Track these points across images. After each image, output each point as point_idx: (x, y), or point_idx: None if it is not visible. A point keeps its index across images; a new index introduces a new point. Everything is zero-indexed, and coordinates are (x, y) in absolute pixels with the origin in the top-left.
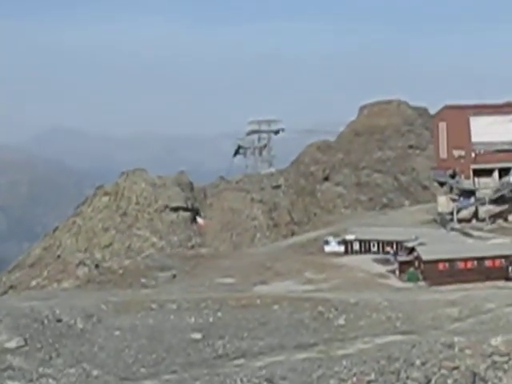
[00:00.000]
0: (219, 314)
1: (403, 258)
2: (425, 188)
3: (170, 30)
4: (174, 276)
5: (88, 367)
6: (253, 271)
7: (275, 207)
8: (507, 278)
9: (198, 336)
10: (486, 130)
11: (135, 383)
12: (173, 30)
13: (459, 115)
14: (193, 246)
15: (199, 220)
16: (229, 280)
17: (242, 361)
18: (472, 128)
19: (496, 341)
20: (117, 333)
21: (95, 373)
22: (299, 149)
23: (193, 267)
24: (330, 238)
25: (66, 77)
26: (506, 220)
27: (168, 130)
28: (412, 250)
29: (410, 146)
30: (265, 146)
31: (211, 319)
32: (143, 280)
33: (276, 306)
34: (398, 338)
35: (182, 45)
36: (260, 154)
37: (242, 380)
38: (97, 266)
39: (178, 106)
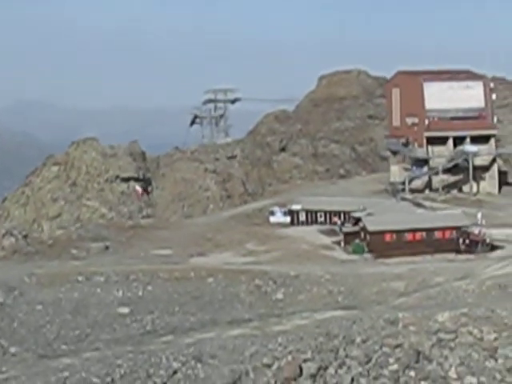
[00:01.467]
0: (149, 287)
1: (349, 228)
2: (383, 159)
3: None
4: (107, 247)
5: (6, 344)
6: (192, 242)
7: (229, 178)
8: (458, 251)
9: (125, 311)
10: (440, 97)
11: (54, 361)
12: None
13: (413, 81)
14: (143, 217)
15: (137, 188)
16: (165, 251)
17: (170, 337)
18: (426, 94)
19: (442, 317)
20: (39, 307)
21: (13, 350)
22: (257, 119)
23: (129, 238)
24: (276, 209)
25: (33, 50)
26: (460, 190)
27: (141, 104)
28: (358, 220)
29: (369, 116)
30: (221, 115)
31: (140, 293)
32: (74, 251)
33: (211, 279)
34: (339, 313)
35: (156, 18)
36: (216, 124)
37: (167, 358)
38: (25, 237)
39: (152, 79)
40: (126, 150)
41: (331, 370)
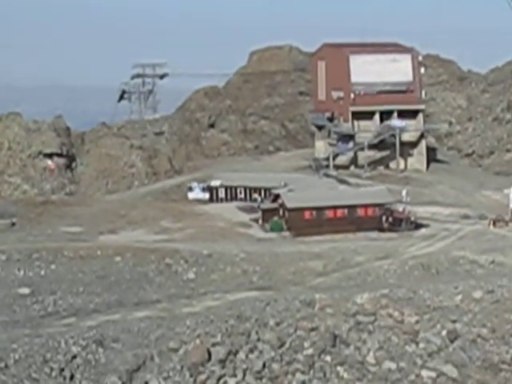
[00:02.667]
0: (53, 266)
1: (267, 205)
2: (313, 135)
3: None
4: (14, 224)
5: None
6: (104, 219)
7: (155, 154)
8: (380, 229)
9: (26, 291)
10: (366, 70)
11: None
12: None
13: (338, 53)
14: (67, 194)
15: (49, 163)
16: (75, 229)
17: (72, 319)
18: (351, 67)
19: (361, 298)
20: None
21: None
22: (187, 95)
23: (38, 215)
24: (195, 184)
25: None
26: (387, 167)
27: (75, 81)
28: (277, 197)
29: (300, 93)
30: (150, 91)
31: (43, 272)
32: None
33: (118, 258)
34: (253, 294)
35: None
36: (145, 99)
37: (66, 342)
38: None
39: (87, 55)
40: (50, 125)
41: (242, 355)
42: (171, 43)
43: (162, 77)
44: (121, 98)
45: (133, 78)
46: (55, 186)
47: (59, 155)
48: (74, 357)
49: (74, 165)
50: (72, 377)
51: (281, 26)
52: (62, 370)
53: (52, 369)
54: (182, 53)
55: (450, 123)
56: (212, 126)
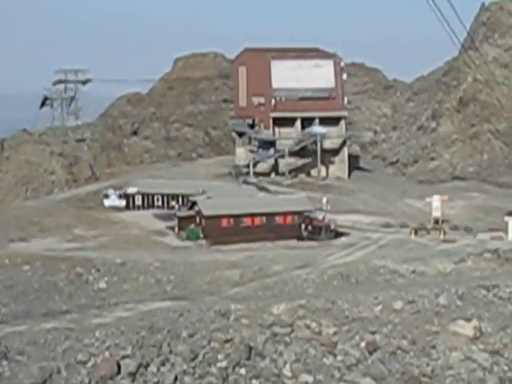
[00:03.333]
0: None
1: (183, 213)
2: (235, 142)
3: None
4: None
5: None
6: (15, 227)
7: (76, 161)
8: (300, 237)
9: None
10: (288, 76)
11: None
12: None
13: (260, 59)
14: None
15: None
16: None
17: None
18: (273, 73)
19: (278, 309)
20: None
21: None
22: (110, 101)
23: None
24: (111, 191)
25: None
26: (308, 174)
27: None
28: (194, 204)
29: (224, 100)
30: (72, 97)
31: None
32: None
33: (27, 267)
34: (167, 304)
35: None
36: (67, 105)
37: None
38: None
39: (6, 61)
40: None
41: (153, 368)
42: (94, 49)
43: (84, 83)
44: (43, 104)
45: (55, 83)
46: None
47: None
48: None
49: None
50: None
51: (205, 34)
52: None
53: None
54: (105, 59)
55: (375, 132)
56: (135, 133)
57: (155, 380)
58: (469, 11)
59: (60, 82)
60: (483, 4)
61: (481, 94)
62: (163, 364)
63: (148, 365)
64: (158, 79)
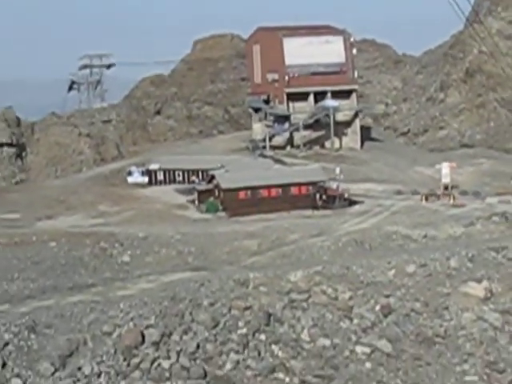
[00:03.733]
0: None
1: (202, 186)
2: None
3: None
4: None
5: None
6: (42, 205)
7: (103, 141)
8: (315, 207)
9: None
10: (300, 52)
11: None
12: None
13: (272, 37)
14: (17, 183)
15: None
16: (12, 215)
17: (6, 306)
18: (285, 50)
19: (295, 276)
20: None
21: None
22: (134, 83)
23: None
24: (133, 169)
25: None
26: (322, 146)
27: (24, 73)
28: (212, 178)
29: (242, 79)
30: (98, 81)
31: None
32: None
33: (53, 243)
34: (187, 275)
35: None
36: (94, 88)
37: None
38: None
39: (33, 48)
40: (1, 116)
41: (175, 337)
42: (118, 35)
43: (108, 67)
44: (70, 88)
45: (81, 68)
46: (6, 174)
47: (9, 145)
48: (6, 344)
49: (24, 154)
50: (4, 364)
51: (222, 15)
52: None
53: None
54: (128, 44)
55: (387, 104)
56: (158, 112)
57: (178, 348)
58: None
59: (85, 66)
60: None
61: (486, 64)
62: (185, 333)
63: (171, 334)
64: (179, 61)
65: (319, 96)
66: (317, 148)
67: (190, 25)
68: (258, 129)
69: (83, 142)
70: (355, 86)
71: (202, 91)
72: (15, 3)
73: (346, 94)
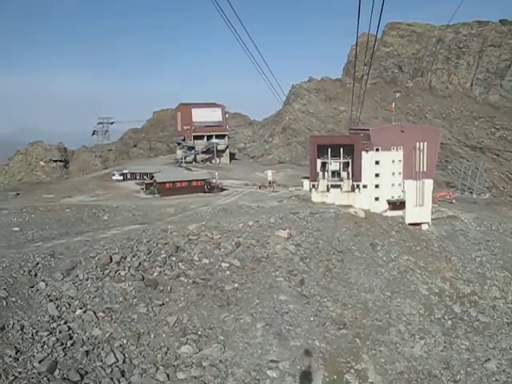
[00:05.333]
0: (33, 215)
1: (148, 181)
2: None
3: None
4: (18, 194)
5: None
6: (66, 190)
7: (107, 159)
8: (204, 192)
9: (17, 229)
10: (200, 116)
11: None
12: None
13: (187, 108)
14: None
15: (41, 163)
16: (50, 196)
17: (40, 243)
18: (193, 114)
19: (192, 226)
20: None
21: None
22: (123, 131)
23: (33, 189)
24: (115, 172)
25: None
26: (211, 162)
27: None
28: (153, 176)
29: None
30: (106, 130)
31: (27, 218)
32: None
33: (68, 210)
34: (137, 226)
35: None
36: (104, 134)
37: (33, 255)
38: None
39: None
40: (57, 146)
41: (128, 259)
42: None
43: (112, 123)
44: (93, 133)
45: (98, 124)
46: (58, 176)
47: (60, 161)
48: (37, 263)
49: (68, 165)
50: (35, 274)
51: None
52: (30, 271)
53: (24, 271)
54: (118, 110)
55: (245, 143)
56: (135, 146)
57: (129, 265)
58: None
59: (100, 123)
60: (292, 85)
61: (292, 124)
62: (134, 256)
63: (126, 257)
64: (146, 121)
65: (209, 137)
66: (208, 163)
67: (151, 100)
68: (179, 153)
69: (97, 161)
70: (227, 133)
71: (157, 136)
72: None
73: (222, 137)
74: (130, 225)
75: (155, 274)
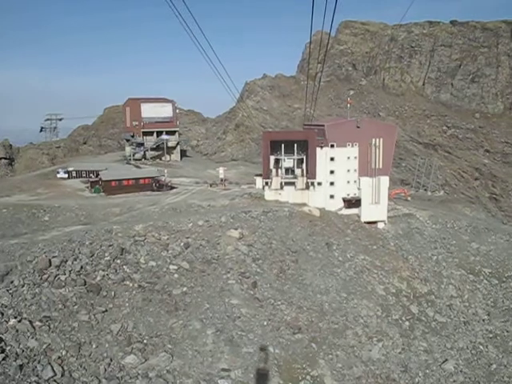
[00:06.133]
0: None
1: (93, 179)
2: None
3: None
4: None
5: None
6: (6, 189)
7: (55, 157)
8: (152, 190)
9: None
10: (149, 111)
11: None
12: None
13: (136, 103)
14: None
15: None
16: None
17: None
18: (142, 109)
19: (138, 227)
20: None
21: None
22: (73, 128)
23: None
24: (60, 170)
25: None
26: (161, 159)
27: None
28: (98, 174)
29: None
30: (55, 127)
31: None
32: None
33: (5, 210)
34: (80, 227)
35: None
36: (52, 130)
37: None
38: None
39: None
40: (1, 143)
41: (69, 262)
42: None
43: (60, 119)
44: (41, 130)
45: (46, 120)
46: (2, 174)
47: (5, 158)
48: None
49: (13, 163)
50: None
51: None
52: None
53: None
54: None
55: (198, 140)
56: (85, 143)
57: (70, 269)
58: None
59: (48, 119)
60: (246, 82)
61: (245, 121)
62: (75, 260)
63: (66, 260)
64: (97, 117)
65: (159, 133)
66: (158, 160)
67: (102, 96)
68: (128, 150)
69: (45, 158)
70: (178, 129)
71: (107, 133)
72: None
73: (172, 133)
74: (73, 225)
75: (98, 278)
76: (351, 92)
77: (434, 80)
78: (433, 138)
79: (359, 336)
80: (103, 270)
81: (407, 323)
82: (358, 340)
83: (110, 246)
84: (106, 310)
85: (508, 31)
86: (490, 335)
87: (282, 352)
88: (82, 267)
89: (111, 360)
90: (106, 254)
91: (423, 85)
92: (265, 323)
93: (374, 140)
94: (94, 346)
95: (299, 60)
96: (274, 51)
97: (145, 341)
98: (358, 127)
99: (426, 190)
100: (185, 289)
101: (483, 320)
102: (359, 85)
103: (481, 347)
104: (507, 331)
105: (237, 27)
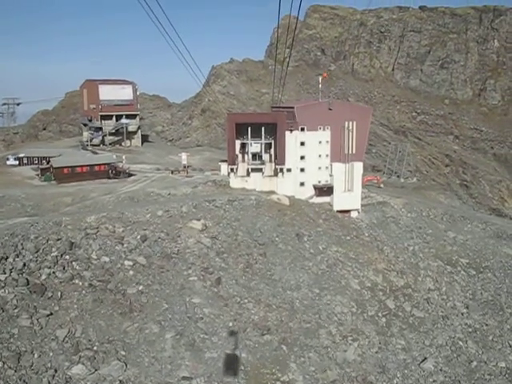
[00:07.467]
0: None
1: (44, 166)
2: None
3: None
4: None
5: None
6: None
7: (12, 143)
8: (108, 177)
9: None
10: (108, 93)
11: None
12: None
13: (93, 84)
14: None
15: None
16: None
17: None
18: (100, 91)
19: (90, 218)
20: None
21: None
22: (32, 114)
23: None
24: (10, 156)
25: None
26: (120, 145)
27: None
28: (49, 161)
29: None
30: (13, 112)
31: None
32: None
33: None
34: (25, 219)
35: None
36: (10, 115)
37: None
38: None
39: None
40: None
41: (10, 259)
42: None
43: (18, 104)
44: None
45: (3, 105)
46: None
47: None
48: None
49: None
50: None
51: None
52: None
53: None
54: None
55: (163, 126)
56: (44, 129)
57: (11, 267)
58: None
59: (5, 104)
60: (212, 66)
61: (212, 106)
62: (17, 256)
63: (8, 257)
64: (58, 102)
65: (118, 117)
66: (118, 146)
67: (63, 80)
68: (86, 135)
69: (1, 145)
70: (138, 112)
71: (68, 118)
72: None
73: (133, 117)
74: (18, 217)
75: (43, 276)
76: (320, 78)
77: (403, 66)
78: (403, 124)
79: (333, 335)
80: (49, 268)
81: (384, 319)
82: (332, 340)
83: (59, 240)
84: (51, 314)
85: (477, 17)
86: (470, 330)
87: (250, 356)
88: (24, 264)
89: (56, 371)
90: (54, 249)
91: (392, 70)
92: (230, 324)
93: (346, 123)
94: (36, 356)
95: (267, 44)
96: (242, 37)
97: (95, 348)
98: (330, 109)
99: (398, 176)
100: (141, 287)
101: (462, 314)
102: (328, 70)
103: (460, 343)
104: (486, 324)
105: (200, 16)
